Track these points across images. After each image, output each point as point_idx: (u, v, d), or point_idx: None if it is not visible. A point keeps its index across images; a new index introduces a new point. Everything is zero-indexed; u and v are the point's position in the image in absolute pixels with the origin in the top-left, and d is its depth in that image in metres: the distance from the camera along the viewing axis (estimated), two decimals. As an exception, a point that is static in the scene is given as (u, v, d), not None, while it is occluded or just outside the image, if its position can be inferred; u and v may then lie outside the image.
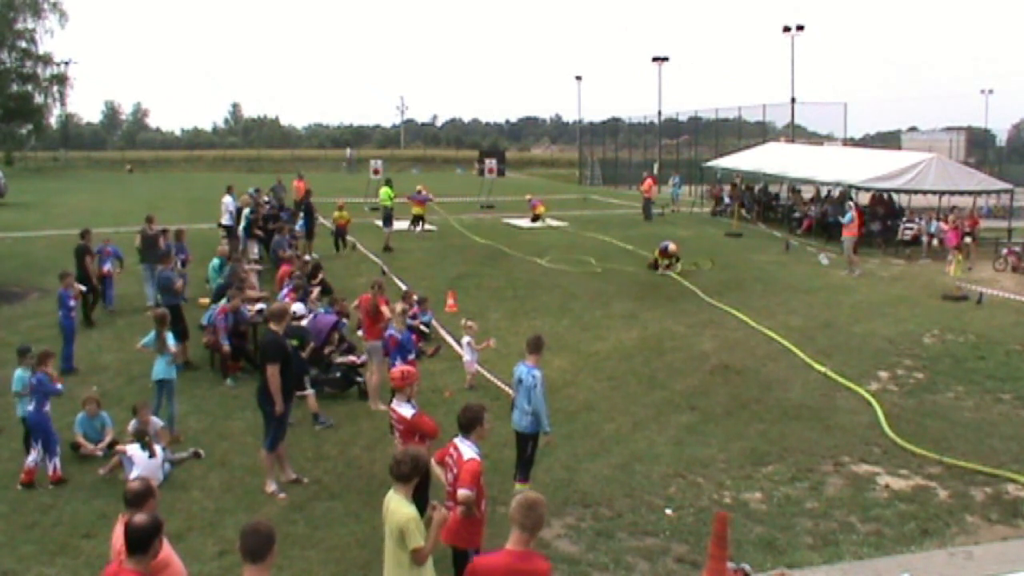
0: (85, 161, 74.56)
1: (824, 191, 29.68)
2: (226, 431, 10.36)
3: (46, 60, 43.21)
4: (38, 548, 7.49)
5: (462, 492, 5.81)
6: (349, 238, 24.35)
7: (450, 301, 16.61)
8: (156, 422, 9.38)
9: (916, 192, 25.86)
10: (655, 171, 44.89)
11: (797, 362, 13.37)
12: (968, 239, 22.79)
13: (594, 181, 57.69)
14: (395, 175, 35.45)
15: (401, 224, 26.24)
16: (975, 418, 10.94)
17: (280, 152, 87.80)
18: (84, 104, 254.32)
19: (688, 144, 51.89)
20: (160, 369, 10.03)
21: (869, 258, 23.14)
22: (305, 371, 10.51)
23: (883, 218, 26.37)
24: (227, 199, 21.53)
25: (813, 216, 28.28)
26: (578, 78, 71.38)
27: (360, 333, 12.35)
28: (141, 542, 4.11)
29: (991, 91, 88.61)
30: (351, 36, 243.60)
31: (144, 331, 12.56)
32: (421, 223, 27.28)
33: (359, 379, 11.84)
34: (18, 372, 9.47)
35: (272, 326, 8.80)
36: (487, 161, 40.09)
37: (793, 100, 44.69)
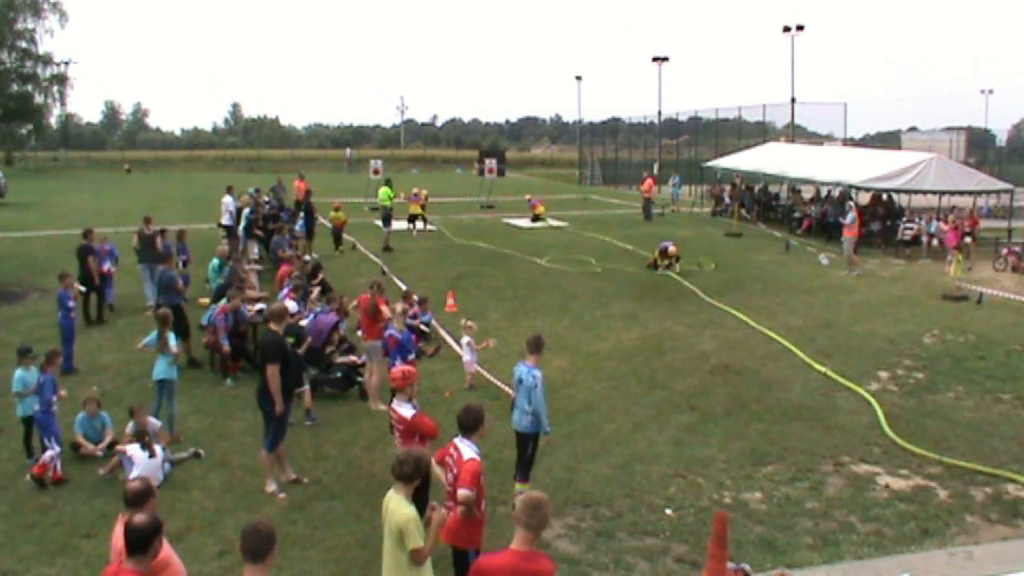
0: (85, 161, 74.54)
1: (824, 191, 29.69)
2: (226, 431, 10.36)
3: (46, 60, 43.22)
4: (38, 548, 7.49)
5: (462, 492, 5.81)
6: (349, 238, 24.38)
7: (450, 301, 16.61)
8: (154, 423, 9.38)
9: (916, 192, 25.87)
10: (655, 171, 44.91)
11: (797, 362, 13.37)
12: (968, 239, 22.80)
13: (594, 181, 57.70)
14: (395, 175, 35.48)
15: (401, 224, 26.28)
16: (975, 418, 10.94)
17: (280, 152, 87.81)
18: (84, 104, 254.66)
19: (688, 144, 51.90)
20: (161, 369, 10.03)
21: (869, 258, 23.15)
22: (303, 368, 10.51)
23: (883, 218, 26.38)
24: (227, 199, 21.54)
25: (813, 216, 28.29)
26: (578, 78, 71.56)
27: (360, 333, 12.35)
28: (141, 542, 4.11)
29: (991, 91, 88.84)
30: (351, 36, 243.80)
31: (144, 331, 12.57)
32: (418, 222, 27.37)
33: (359, 379, 11.84)
34: (18, 372, 9.46)
35: (272, 326, 8.80)
36: (487, 161, 40.09)
37: (793, 100, 44.74)
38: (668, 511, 8.24)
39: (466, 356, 12.23)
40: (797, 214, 29.42)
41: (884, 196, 26.80)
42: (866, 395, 11.68)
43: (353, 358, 12.19)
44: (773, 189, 33.81)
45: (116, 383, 12.06)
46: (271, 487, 8.59)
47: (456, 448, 6.15)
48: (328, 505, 8.37)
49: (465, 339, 12.34)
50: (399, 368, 7.86)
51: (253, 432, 9.75)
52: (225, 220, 21.38)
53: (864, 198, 26.94)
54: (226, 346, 12.10)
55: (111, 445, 9.36)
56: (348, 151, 75.94)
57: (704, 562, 6.80)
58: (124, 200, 37.35)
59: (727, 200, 33.82)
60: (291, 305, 12.18)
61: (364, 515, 7.98)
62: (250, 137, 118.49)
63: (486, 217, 32.74)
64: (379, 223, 25.07)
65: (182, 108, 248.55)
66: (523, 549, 4.41)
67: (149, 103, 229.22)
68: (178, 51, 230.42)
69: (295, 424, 9.82)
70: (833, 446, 9.94)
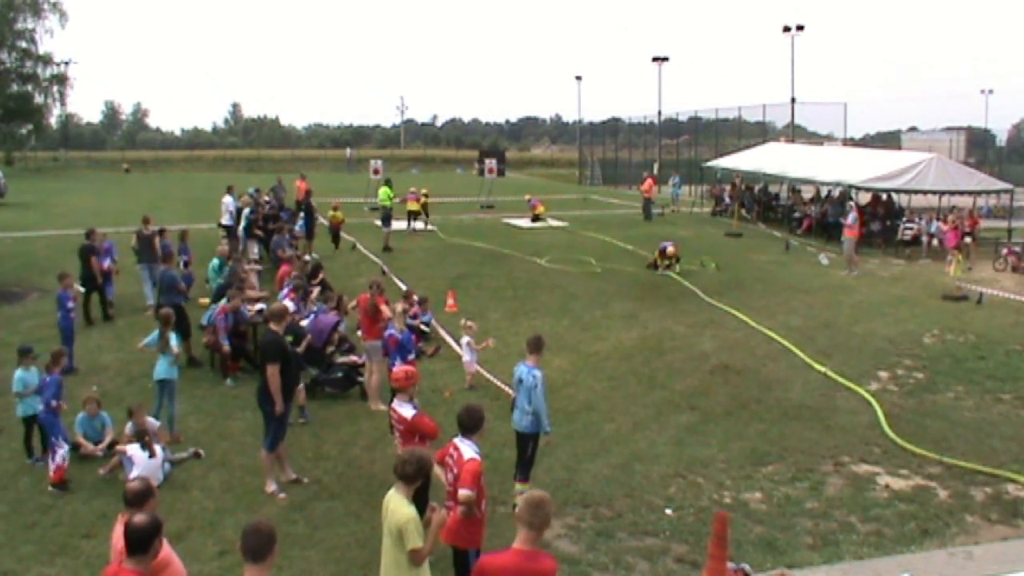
0: (85, 161, 74.55)
1: (824, 191, 29.69)
2: (226, 431, 10.36)
3: (46, 60, 43.20)
4: (38, 548, 7.49)
5: (463, 492, 5.81)
6: (349, 237, 24.38)
7: (450, 301, 16.61)
8: (153, 423, 9.37)
9: (916, 192, 25.86)
10: (655, 171, 44.90)
11: (797, 362, 13.37)
12: (968, 239, 22.79)
13: (594, 181, 57.69)
14: (395, 175, 35.49)
15: (401, 224, 26.31)
16: (975, 418, 10.94)
17: (280, 152, 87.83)
18: (84, 104, 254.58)
19: (688, 144, 51.87)
20: (162, 369, 10.03)
21: (869, 258, 23.15)
22: (300, 366, 10.51)
23: (883, 218, 26.38)
24: (227, 199, 21.54)
25: (813, 216, 28.29)
26: (578, 78, 71.58)
27: (359, 333, 12.34)
28: (141, 542, 4.11)
29: (991, 91, 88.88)
30: (351, 36, 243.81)
31: (144, 331, 12.56)
32: (415, 220, 27.41)
33: (360, 379, 11.84)
34: (18, 372, 9.47)
35: (272, 326, 8.80)
36: (487, 161, 40.09)
37: (793, 100, 44.72)
38: (668, 511, 8.24)
39: (466, 356, 12.23)
40: (797, 214, 29.42)
41: (884, 196, 26.80)
42: (866, 395, 11.67)
43: (354, 358, 12.19)
44: (773, 189, 33.81)
45: (116, 383, 12.06)
46: (271, 487, 8.59)
47: (456, 448, 6.15)
48: (328, 505, 8.37)
49: (465, 339, 12.34)
50: (402, 368, 7.85)
51: (253, 432, 9.75)
52: (225, 220, 21.38)
53: (864, 198, 26.94)
54: (226, 346, 12.10)
55: (111, 445, 9.36)
56: (348, 151, 75.96)
57: (704, 562, 6.80)
58: (124, 200, 37.34)
59: (727, 200, 33.81)
60: (290, 305, 12.17)
61: (364, 515, 7.98)
62: (250, 137, 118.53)
63: (486, 217, 32.73)
64: (379, 223, 25.09)
65: (182, 108, 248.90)
66: (526, 548, 4.43)
67: (149, 103, 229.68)
68: (178, 51, 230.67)
69: (294, 424, 9.82)
70: (833, 446, 9.94)
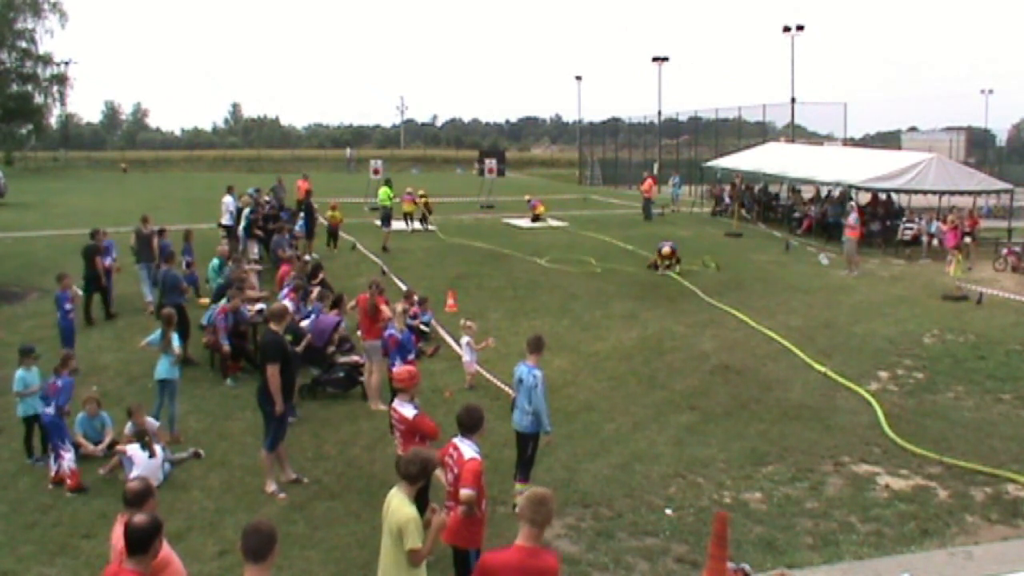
0: (85, 161, 74.55)
1: (824, 191, 29.69)
2: (226, 431, 10.36)
3: (46, 60, 43.14)
4: (38, 548, 7.49)
5: (464, 491, 5.81)
6: (349, 237, 24.38)
7: (450, 301, 16.61)
8: (152, 423, 9.38)
9: (916, 192, 25.86)
10: (655, 171, 44.87)
11: (797, 362, 13.37)
12: (968, 239, 22.78)
13: (594, 181, 57.67)
14: (395, 175, 35.49)
15: (401, 224, 26.34)
16: (975, 418, 10.94)
17: (280, 152, 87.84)
18: (84, 104, 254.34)
19: (688, 144, 51.87)
20: (163, 369, 10.04)
21: (869, 258, 23.14)
22: (298, 365, 10.50)
23: (883, 218, 26.38)
24: (228, 199, 21.54)
25: (813, 216, 28.28)
26: (578, 78, 71.54)
27: (359, 333, 12.34)
28: (141, 542, 4.11)
29: (991, 91, 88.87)
30: (351, 36, 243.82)
31: (144, 331, 12.57)
32: (411, 221, 27.47)
33: (362, 379, 11.83)
34: (19, 372, 9.48)
35: (272, 326, 8.80)
36: (487, 161, 40.06)
37: (793, 100, 44.71)
38: (668, 511, 8.24)
39: (466, 356, 12.23)
40: (797, 214, 29.42)
41: (883, 196, 26.80)
42: (866, 395, 11.68)
43: (355, 358, 12.18)
44: (773, 189, 33.80)
45: (116, 383, 12.06)
46: (271, 487, 8.59)
47: (456, 448, 6.15)
48: (328, 505, 8.37)
49: (465, 339, 12.33)
50: (405, 368, 7.84)
51: (253, 432, 9.75)
52: (225, 220, 21.38)
53: (864, 198, 26.94)
54: (226, 346, 12.10)
55: (111, 445, 9.36)
56: (348, 151, 75.96)
57: (704, 562, 6.80)
58: (124, 200, 37.33)
59: (727, 200, 33.81)
60: (289, 305, 12.17)
61: (364, 515, 7.98)
62: (250, 137, 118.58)
63: (486, 217, 32.73)
64: (379, 223, 25.10)
65: (182, 108, 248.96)
66: (528, 545, 4.44)
67: (149, 103, 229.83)
68: (178, 51, 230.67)
69: (296, 424, 9.82)
70: (833, 446, 9.94)
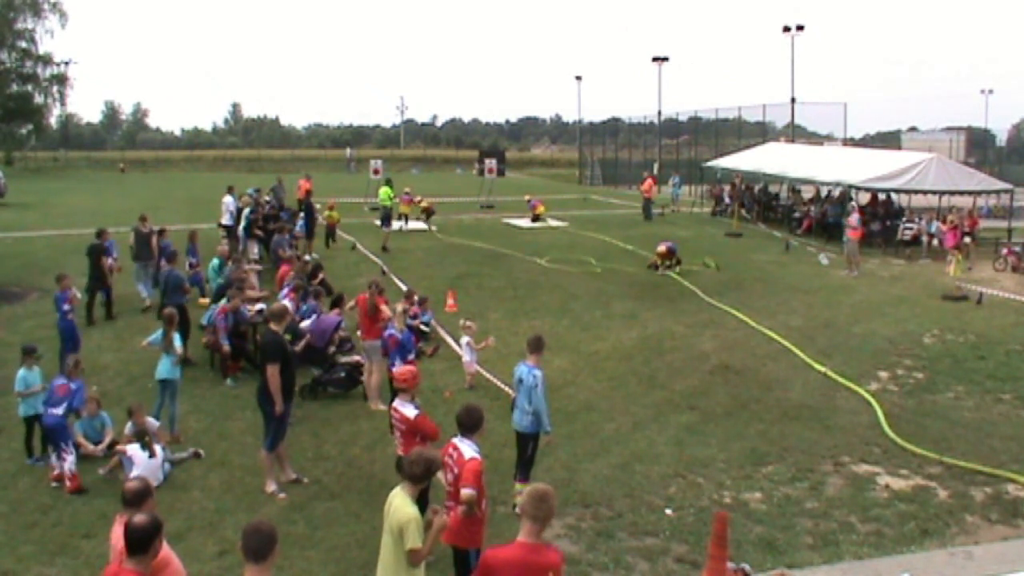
0: (85, 161, 74.53)
1: (824, 191, 29.69)
2: (226, 431, 10.36)
3: (46, 60, 43.13)
4: (38, 548, 7.49)
5: (465, 491, 5.81)
6: (349, 237, 24.39)
7: (450, 301, 16.61)
8: (153, 423, 9.38)
9: (916, 192, 25.86)
10: (655, 171, 44.87)
11: (797, 362, 13.37)
12: (968, 239, 22.78)
13: (594, 181, 57.68)
14: (395, 175, 35.49)
15: (396, 223, 26.37)
16: (975, 418, 10.94)
17: (280, 152, 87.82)
18: (84, 104, 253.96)
19: (688, 144, 51.88)
20: (164, 369, 10.04)
21: (869, 258, 23.14)
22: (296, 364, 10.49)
23: (883, 218, 26.38)
24: (228, 199, 21.54)
25: (813, 216, 28.28)
26: (578, 78, 71.50)
27: (359, 333, 12.33)
28: (142, 542, 4.11)
29: (991, 91, 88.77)
30: (351, 36, 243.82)
31: (144, 331, 12.58)
32: (408, 221, 27.50)
33: (363, 379, 11.82)
34: (21, 371, 9.49)
35: (272, 326, 8.80)
36: (487, 161, 40.06)
37: (793, 100, 44.71)
38: (668, 511, 8.24)
39: (466, 356, 12.23)
40: (797, 214, 29.42)
41: (882, 196, 26.79)
42: (866, 395, 11.67)
43: (357, 358, 12.18)
44: (773, 189, 33.80)
45: (116, 383, 12.06)
46: (271, 487, 8.59)
47: (456, 448, 6.16)
48: (328, 505, 8.37)
49: (464, 339, 12.33)
50: (408, 369, 7.83)
51: (253, 432, 9.75)
52: (225, 220, 21.38)
53: (864, 198, 26.94)
54: (226, 346, 12.10)
55: (111, 445, 9.36)
56: (348, 151, 75.95)
57: (704, 562, 6.80)
58: (124, 200, 37.32)
59: (727, 200, 33.81)
60: (289, 305, 12.17)
61: (364, 515, 7.99)
62: (250, 137, 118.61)
63: (486, 217, 32.73)
64: (378, 223, 25.11)
65: (182, 108, 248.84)
66: (530, 541, 4.45)
67: (149, 103, 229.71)
68: (178, 51, 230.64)
69: (296, 424, 9.82)
70: (833, 446, 9.94)
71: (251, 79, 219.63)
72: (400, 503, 5.18)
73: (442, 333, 14.71)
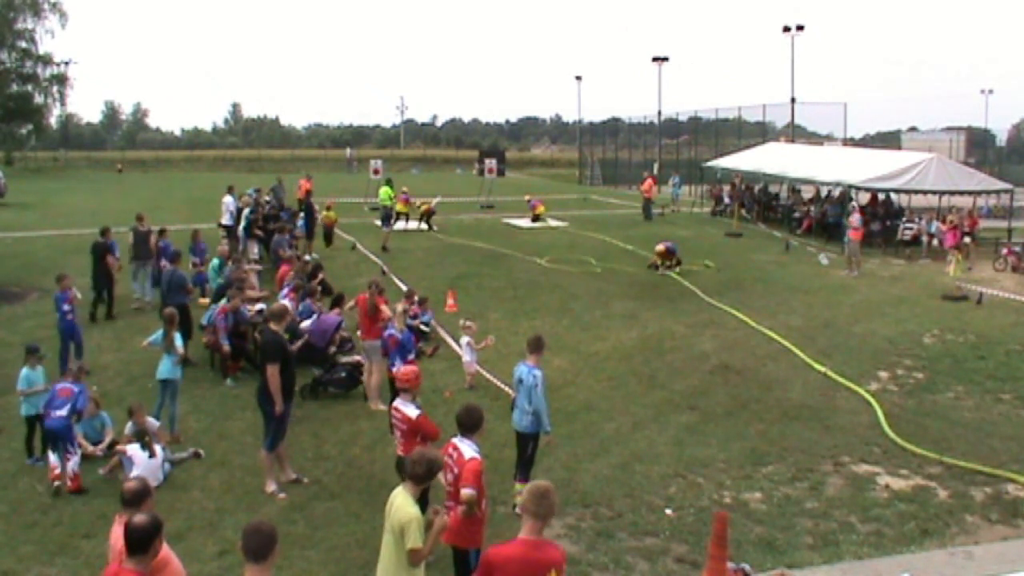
0: (85, 161, 74.56)
1: (824, 191, 29.69)
2: (226, 431, 10.36)
3: (46, 60, 43.14)
4: (38, 548, 7.49)
5: (465, 491, 5.81)
6: (349, 237, 24.39)
7: (450, 301, 16.60)
8: (153, 423, 9.38)
9: (916, 192, 25.86)
10: (655, 171, 44.87)
11: (797, 362, 13.37)
12: (968, 239, 22.78)
13: (594, 181, 57.69)
14: (395, 175, 35.51)
15: (399, 224, 26.37)
16: (975, 418, 10.94)
17: (280, 152, 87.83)
18: (84, 104, 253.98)
19: (688, 144, 51.87)
20: (165, 369, 10.03)
21: (869, 258, 23.13)
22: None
23: (883, 218, 26.38)
24: (228, 199, 21.56)
25: (813, 216, 28.28)
26: (578, 78, 71.50)
27: (359, 333, 12.33)
28: (142, 542, 4.11)
29: (991, 91, 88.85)
30: (351, 36, 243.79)
31: (143, 330, 12.58)
32: (406, 221, 27.60)
33: (363, 378, 11.82)
34: (24, 371, 9.51)
35: (272, 326, 8.80)
36: (487, 161, 40.08)
37: (793, 100, 44.71)
38: (668, 511, 8.24)
39: (466, 356, 12.22)
40: (797, 214, 29.42)
41: (882, 196, 26.79)
42: (866, 395, 11.67)
43: (357, 358, 12.18)
44: (773, 189, 33.81)
45: (116, 383, 12.06)
46: (271, 487, 8.59)
47: (456, 448, 6.16)
48: (328, 505, 8.37)
49: (464, 339, 12.33)
50: (410, 368, 7.81)
51: (253, 432, 9.75)
52: (225, 220, 21.39)
53: (864, 198, 26.95)
54: (226, 346, 12.10)
55: (111, 445, 9.36)
56: (348, 151, 75.95)
57: (704, 562, 6.80)
58: (124, 200, 37.33)
59: (727, 200, 33.82)
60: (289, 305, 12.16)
61: (364, 515, 7.99)
62: (250, 137, 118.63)
63: (486, 217, 32.74)
64: (379, 223, 25.11)
65: (182, 108, 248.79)
66: (532, 538, 4.46)
67: (149, 103, 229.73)
68: (178, 51, 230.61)
69: (296, 424, 9.82)
70: (833, 446, 9.94)
71: (251, 79, 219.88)
72: (402, 502, 5.18)
73: (442, 333, 14.71)
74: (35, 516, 8.11)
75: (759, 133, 47.49)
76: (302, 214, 22.31)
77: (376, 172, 32.05)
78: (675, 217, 34.42)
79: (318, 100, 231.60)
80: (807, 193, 31.42)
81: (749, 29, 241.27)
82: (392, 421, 7.54)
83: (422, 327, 14.07)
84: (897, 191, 25.75)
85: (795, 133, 47.27)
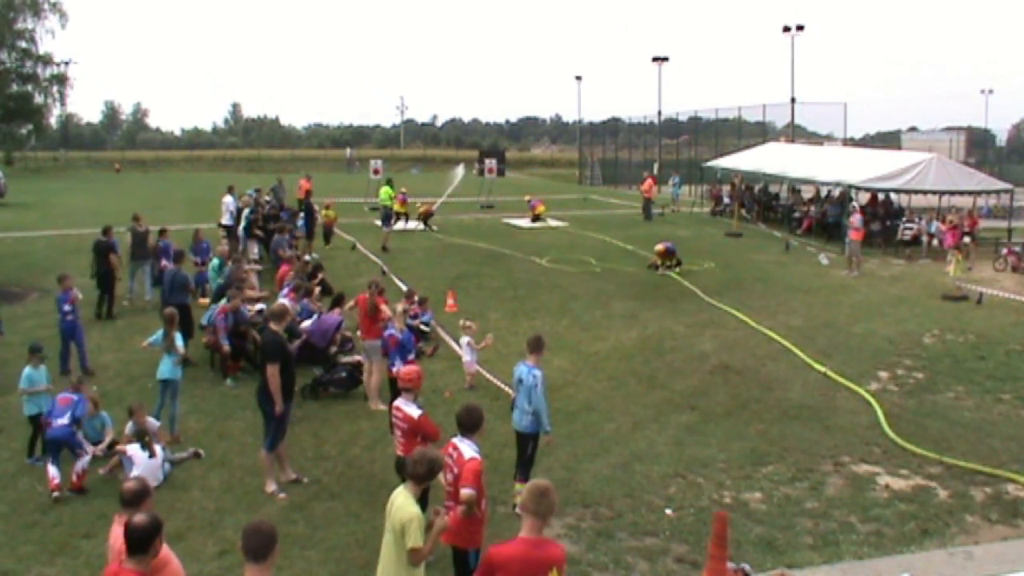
0: (85, 161, 74.57)
1: (824, 191, 29.69)
2: (226, 431, 10.36)
3: (46, 60, 43.12)
4: (38, 548, 7.49)
5: (465, 491, 5.81)
6: (349, 237, 24.39)
7: (450, 301, 16.60)
8: (153, 423, 9.38)
9: (916, 192, 25.86)
10: (655, 171, 44.88)
11: (797, 362, 13.37)
12: (968, 239, 22.78)
13: (594, 181, 57.70)
14: (395, 175, 35.51)
15: (399, 224, 26.38)
16: (975, 418, 10.94)
17: (280, 152, 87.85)
18: (84, 104, 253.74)
19: (688, 144, 51.87)
20: (166, 369, 10.03)
21: (869, 258, 23.12)
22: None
23: (883, 218, 26.38)
24: (228, 199, 21.56)
25: (813, 216, 28.28)
26: (578, 78, 71.45)
27: (358, 333, 12.33)
28: (142, 542, 4.11)
29: (991, 91, 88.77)
30: (351, 36, 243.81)
31: (143, 330, 12.58)
32: (405, 220, 27.66)
33: (363, 378, 11.81)
34: (27, 370, 9.52)
35: (272, 326, 8.80)
36: (487, 161, 40.11)
37: (793, 100, 44.69)
38: (668, 511, 8.24)
39: (466, 356, 12.22)
40: (797, 214, 29.42)
41: (882, 196, 26.79)
42: (866, 395, 11.67)
43: (358, 358, 12.17)
44: (773, 189, 33.81)
45: (116, 383, 12.06)
46: (271, 487, 8.59)
47: (456, 448, 6.15)
48: (328, 505, 8.37)
49: (464, 339, 12.32)
50: (413, 368, 7.80)
51: (253, 432, 9.75)
52: (225, 220, 21.40)
53: (863, 198, 26.95)
54: (226, 346, 12.10)
55: (111, 445, 9.35)
56: (348, 151, 75.95)
57: (704, 562, 6.81)
58: (124, 200, 37.31)
59: (727, 200, 33.82)
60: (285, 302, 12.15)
61: (364, 515, 7.99)
62: (250, 137, 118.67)
63: (486, 217, 32.74)
64: (379, 223, 25.12)
65: (182, 108, 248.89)
66: (533, 537, 4.47)
67: (149, 103, 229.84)
68: (178, 51, 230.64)
69: (296, 424, 9.81)
70: (833, 446, 9.94)
71: (251, 79, 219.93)
72: (403, 501, 5.19)
73: (442, 333, 14.70)
74: (35, 516, 8.11)
75: (759, 133, 47.48)
76: (302, 214, 22.32)
77: (376, 172, 32.07)
78: (675, 217, 34.43)
79: (318, 100, 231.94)
80: (807, 193, 31.42)
81: (749, 29, 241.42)
82: (393, 420, 7.54)
83: (422, 327, 14.06)
84: (897, 191, 25.75)
85: (795, 133, 47.26)
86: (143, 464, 8.60)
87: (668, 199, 38.33)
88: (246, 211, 20.71)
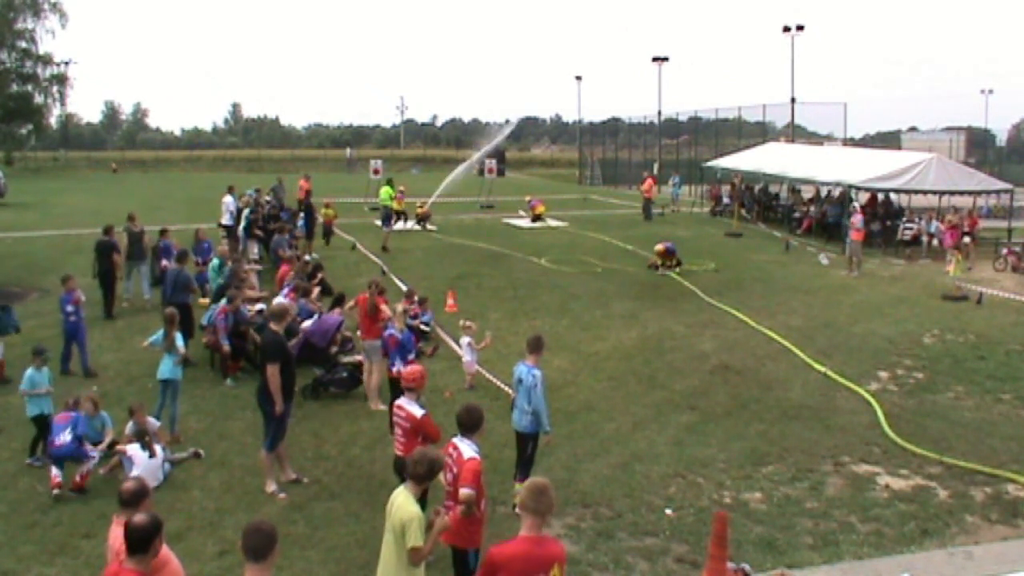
0: (85, 161, 74.59)
1: (824, 191, 29.69)
2: (226, 431, 10.36)
3: (46, 60, 43.08)
4: (38, 548, 7.49)
5: (464, 491, 5.81)
6: (349, 237, 24.39)
7: (450, 301, 16.60)
8: (153, 423, 9.38)
9: (916, 192, 25.86)
10: (655, 171, 44.88)
11: (797, 362, 13.37)
12: (968, 239, 22.78)
13: (594, 181, 57.71)
14: (395, 175, 35.53)
15: (399, 224, 26.38)
16: (975, 418, 10.94)
17: (280, 152, 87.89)
18: (84, 104, 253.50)
19: (688, 144, 51.88)
20: (166, 369, 10.02)
21: (869, 258, 23.12)
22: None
23: (883, 218, 26.38)
24: (228, 199, 21.57)
25: (813, 216, 28.29)
26: (578, 78, 71.36)
27: (358, 333, 12.33)
28: (142, 542, 4.11)
29: (991, 91, 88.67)
30: (351, 36, 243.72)
31: (143, 330, 12.58)
32: (403, 219, 27.72)
33: (364, 378, 11.81)
34: (29, 371, 9.52)
35: (272, 326, 8.79)
36: (487, 161, 40.08)
37: (793, 100, 44.70)
38: (668, 511, 8.24)
39: (466, 356, 12.22)
40: (797, 214, 29.42)
41: (882, 196, 26.79)
42: (866, 395, 11.67)
43: (359, 358, 12.17)
44: (773, 189, 33.81)
45: (116, 383, 12.06)
46: (271, 487, 8.59)
47: (456, 448, 6.15)
48: (328, 505, 8.37)
49: (465, 339, 12.32)
50: (416, 368, 7.79)
51: (253, 432, 9.75)
52: (225, 220, 21.41)
53: (863, 198, 26.94)
54: (226, 346, 12.10)
55: (111, 445, 9.35)
56: (348, 151, 75.95)
57: (704, 562, 6.80)
58: (124, 200, 37.30)
59: (727, 200, 33.82)
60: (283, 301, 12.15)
61: (364, 515, 7.99)
62: (250, 137, 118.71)
63: (486, 217, 32.74)
64: (379, 223, 25.12)
65: (182, 108, 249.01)
66: (533, 535, 4.49)
67: (149, 103, 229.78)
68: (178, 51, 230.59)
69: (296, 424, 9.82)
70: (833, 446, 9.94)
71: (251, 79, 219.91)
72: (403, 501, 5.19)
73: (442, 333, 14.70)
74: (35, 516, 8.11)
75: (759, 133, 47.49)
76: (302, 214, 22.33)
77: (376, 172, 32.08)
78: (675, 217, 34.43)
79: (318, 100, 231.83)
80: (807, 193, 31.42)
81: (749, 29, 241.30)
82: (394, 419, 7.52)
83: (422, 327, 14.06)
84: (897, 191, 25.76)
85: (795, 133, 47.27)
86: (143, 464, 8.60)
87: (668, 199, 38.32)
88: (246, 211, 20.73)
